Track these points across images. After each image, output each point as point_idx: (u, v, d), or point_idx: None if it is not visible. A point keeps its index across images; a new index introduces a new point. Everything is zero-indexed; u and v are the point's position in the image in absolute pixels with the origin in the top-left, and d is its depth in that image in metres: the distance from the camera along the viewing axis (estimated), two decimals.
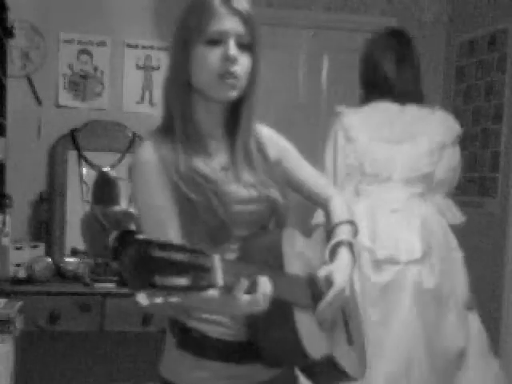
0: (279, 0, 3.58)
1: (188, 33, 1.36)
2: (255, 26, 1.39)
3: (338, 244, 1.49)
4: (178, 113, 1.39)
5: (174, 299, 0.97)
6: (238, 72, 1.35)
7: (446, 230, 2.57)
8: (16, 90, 3.27)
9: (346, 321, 1.51)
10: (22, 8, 3.27)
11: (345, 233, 1.52)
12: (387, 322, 2.40)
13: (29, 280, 2.95)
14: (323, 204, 1.61)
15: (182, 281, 0.97)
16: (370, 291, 2.39)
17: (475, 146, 3.48)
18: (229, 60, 1.34)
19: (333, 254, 1.48)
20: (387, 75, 2.53)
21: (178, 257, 0.98)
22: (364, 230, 2.42)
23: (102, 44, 3.40)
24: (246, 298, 1.16)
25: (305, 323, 1.32)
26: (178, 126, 1.39)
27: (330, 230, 1.56)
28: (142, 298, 0.96)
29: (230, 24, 1.35)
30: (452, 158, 2.61)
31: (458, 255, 2.56)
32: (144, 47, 3.44)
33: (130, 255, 0.95)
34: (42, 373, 3.31)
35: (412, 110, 2.53)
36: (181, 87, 1.39)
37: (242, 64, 1.36)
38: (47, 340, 3.28)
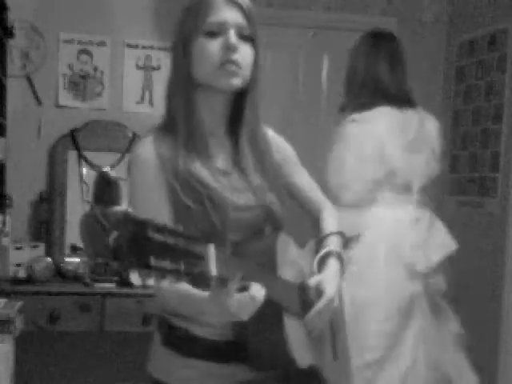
0: (279, 0, 3.58)
1: (188, 26, 1.37)
2: (255, 18, 1.39)
3: (327, 254, 1.50)
4: (180, 109, 1.38)
5: (166, 283, 0.97)
6: (240, 60, 1.35)
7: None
8: (16, 90, 3.27)
9: (333, 334, 1.51)
10: (22, 8, 3.26)
11: (334, 243, 1.54)
12: (402, 333, 2.41)
13: (29, 280, 2.95)
14: (314, 213, 1.62)
15: (176, 265, 0.98)
16: (399, 301, 2.40)
17: (475, 146, 3.48)
18: (229, 48, 1.33)
19: (321, 264, 1.49)
20: (389, 80, 2.48)
21: (175, 241, 0.99)
22: (394, 240, 2.43)
23: (102, 44, 3.40)
24: (237, 296, 1.15)
25: (294, 329, 1.32)
26: (181, 123, 1.38)
27: (319, 240, 1.57)
28: (135, 278, 0.97)
29: (229, 15, 1.35)
30: (440, 163, 2.63)
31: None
32: (144, 47, 3.44)
33: (128, 233, 0.95)
34: (41, 373, 3.30)
35: (412, 116, 2.51)
36: (183, 82, 1.39)
37: (243, 53, 1.36)
38: (47, 340, 3.28)
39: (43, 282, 2.95)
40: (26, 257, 3.04)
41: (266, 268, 1.31)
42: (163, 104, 1.44)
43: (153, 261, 0.95)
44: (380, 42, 2.54)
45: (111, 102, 3.43)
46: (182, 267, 0.99)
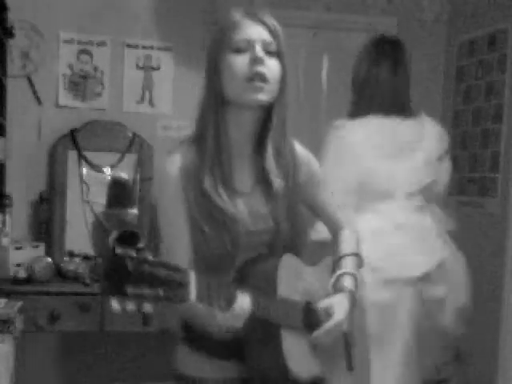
0: (279, 0, 3.58)
1: (217, 45, 1.44)
2: (281, 36, 1.47)
3: (342, 276, 1.58)
4: (210, 126, 1.44)
5: (147, 308, 1.06)
6: (267, 74, 1.41)
7: (448, 242, 2.58)
8: (16, 90, 3.27)
9: (347, 346, 1.55)
10: (22, 8, 3.26)
11: (349, 265, 1.61)
12: (384, 338, 2.40)
13: (29, 280, 2.95)
14: (334, 232, 1.70)
15: (155, 292, 1.07)
16: (371, 309, 2.39)
17: (475, 146, 3.48)
18: (256, 62, 1.40)
19: (336, 285, 1.56)
20: (381, 87, 2.47)
21: (154, 271, 1.07)
22: (369, 248, 2.41)
23: (102, 44, 3.40)
24: (222, 314, 1.26)
25: (292, 344, 1.39)
26: (209, 141, 1.43)
27: (336, 260, 1.64)
28: (114, 304, 1.04)
29: (255, 32, 1.43)
30: (447, 168, 2.62)
31: (459, 266, 2.57)
32: (144, 47, 3.44)
33: (106, 264, 1.03)
34: (41, 373, 3.31)
35: (407, 124, 2.51)
36: (213, 99, 1.44)
37: (270, 67, 1.42)
38: (47, 340, 3.28)
39: (43, 282, 2.95)
40: (26, 257, 3.04)
41: (265, 289, 1.38)
42: (194, 120, 1.49)
43: (130, 289, 1.03)
44: (381, 48, 2.52)
45: (111, 102, 3.43)
46: (161, 293, 1.07)
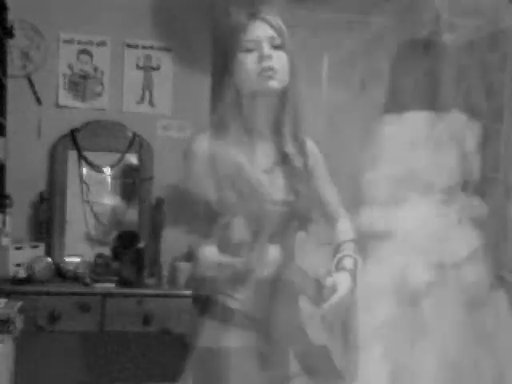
0: (279, 0, 3.58)
1: (227, 46, 1.60)
2: (284, 31, 1.61)
3: (344, 257, 1.70)
4: (229, 116, 1.60)
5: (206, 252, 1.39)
6: (274, 65, 1.55)
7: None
8: (16, 90, 3.27)
9: (345, 329, 1.66)
10: (22, 8, 3.26)
11: (349, 249, 1.73)
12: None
13: (29, 280, 2.95)
14: (332, 222, 1.80)
15: (206, 228, 1.35)
16: (415, 292, 2.44)
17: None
18: (263, 58, 1.55)
19: (338, 266, 1.69)
20: (413, 85, 2.58)
21: (208, 211, 1.36)
22: (414, 235, 2.50)
23: (102, 44, 3.40)
24: (254, 258, 1.43)
25: (307, 310, 1.54)
26: (231, 127, 1.59)
27: (336, 246, 1.76)
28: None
29: (261, 31, 1.58)
30: (477, 160, 2.69)
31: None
32: (144, 47, 3.44)
33: (181, 202, 1.37)
34: (41, 373, 3.31)
35: (441, 120, 2.59)
36: (229, 92, 1.60)
37: (277, 59, 1.56)
38: (47, 340, 3.28)
39: (43, 282, 2.96)
40: (26, 257, 3.04)
41: (283, 257, 1.56)
42: (213, 109, 1.68)
43: (194, 224, 1.33)
44: (416, 48, 2.65)
45: (111, 102, 3.43)
46: (213, 230, 1.33)
